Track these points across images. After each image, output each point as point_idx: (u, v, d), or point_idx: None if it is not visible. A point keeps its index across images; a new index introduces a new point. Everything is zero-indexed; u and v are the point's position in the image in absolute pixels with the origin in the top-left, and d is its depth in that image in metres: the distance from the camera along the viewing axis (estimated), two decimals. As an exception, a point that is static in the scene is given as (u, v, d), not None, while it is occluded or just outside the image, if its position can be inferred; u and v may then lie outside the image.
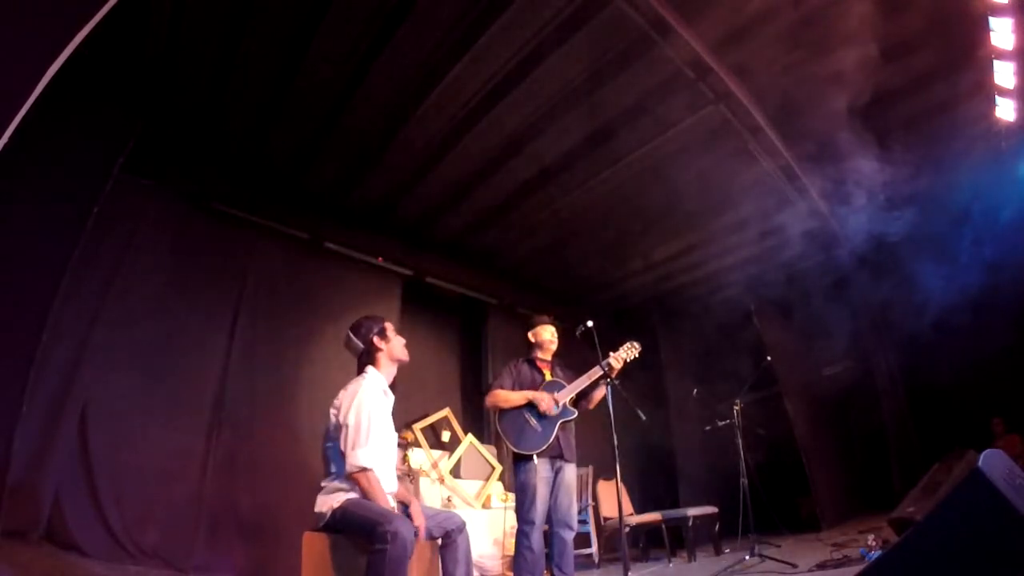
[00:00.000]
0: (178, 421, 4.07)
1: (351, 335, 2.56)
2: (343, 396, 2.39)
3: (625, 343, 3.31)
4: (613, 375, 3.12)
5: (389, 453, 2.47)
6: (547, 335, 3.41)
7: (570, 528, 3.09)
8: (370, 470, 2.24)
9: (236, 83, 4.04)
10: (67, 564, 3.16)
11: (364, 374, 2.49)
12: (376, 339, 2.54)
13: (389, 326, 2.62)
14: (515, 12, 3.59)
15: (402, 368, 2.65)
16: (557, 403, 3.13)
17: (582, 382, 3.19)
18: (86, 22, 1.62)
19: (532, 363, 3.39)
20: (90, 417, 3.68)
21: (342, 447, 2.27)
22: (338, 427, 2.31)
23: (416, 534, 2.26)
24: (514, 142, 4.77)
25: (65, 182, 3.60)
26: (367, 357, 2.54)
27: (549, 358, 3.43)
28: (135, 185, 4.17)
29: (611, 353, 3.21)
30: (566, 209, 5.68)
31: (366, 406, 2.33)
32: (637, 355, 3.31)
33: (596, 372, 3.16)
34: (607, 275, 7.15)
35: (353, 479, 2.24)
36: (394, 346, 2.58)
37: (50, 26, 1.59)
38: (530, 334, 3.45)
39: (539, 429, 3.10)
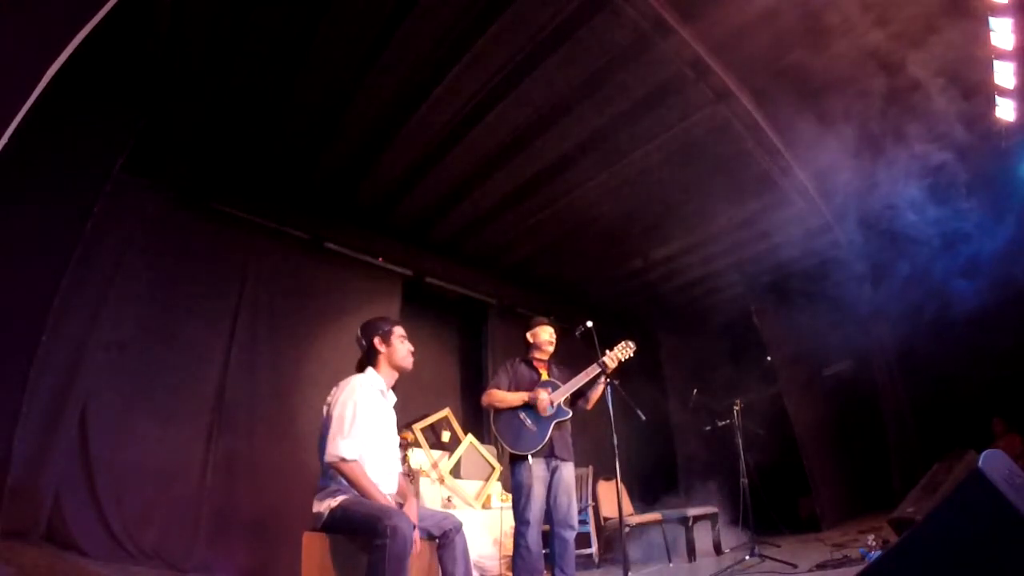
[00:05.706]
0: (178, 421, 4.07)
1: (358, 333, 2.56)
2: (335, 391, 2.37)
3: (620, 342, 3.30)
4: (609, 373, 3.12)
5: (387, 454, 2.42)
6: (545, 336, 3.40)
7: (571, 528, 3.09)
8: (353, 461, 2.18)
9: (237, 82, 4.04)
10: (67, 564, 3.15)
11: (362, 373, 2.48)
12: (377, 340, 2.51)
13: (396, 331, 2.55)
14: (515, 12, 3.60)
15: (402, 368, 2.62)
16: (552, 403, 3.13)
17: (578, 380, 3.19)
18: (86, 22, 1.62)
19: (529, 363, 3.39)
20: (90, 417, 3.68)
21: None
22: (328, 421, 2.29)
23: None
24: (514, 142, 4.76)
25: (65, 182, 3.59)
26: (367, 358, 2.53)
27: (546, 359, 3.42)
28: (135, 185, 4.17)
29: (607, 351, 3.20)
30: (566, 209, 5.67)
31: (355, 399, 2.30)
32: (632, 354, 3.30)
33: (592, 370, 3.17)
34: (607, 275, 7.13)
35: (335, 469, 2.19)
36: (395, 351, 2.51)
37: (50, 26, 1.59)
38: (528, 334, 3.45)
39: (534, 429, 3.10)
